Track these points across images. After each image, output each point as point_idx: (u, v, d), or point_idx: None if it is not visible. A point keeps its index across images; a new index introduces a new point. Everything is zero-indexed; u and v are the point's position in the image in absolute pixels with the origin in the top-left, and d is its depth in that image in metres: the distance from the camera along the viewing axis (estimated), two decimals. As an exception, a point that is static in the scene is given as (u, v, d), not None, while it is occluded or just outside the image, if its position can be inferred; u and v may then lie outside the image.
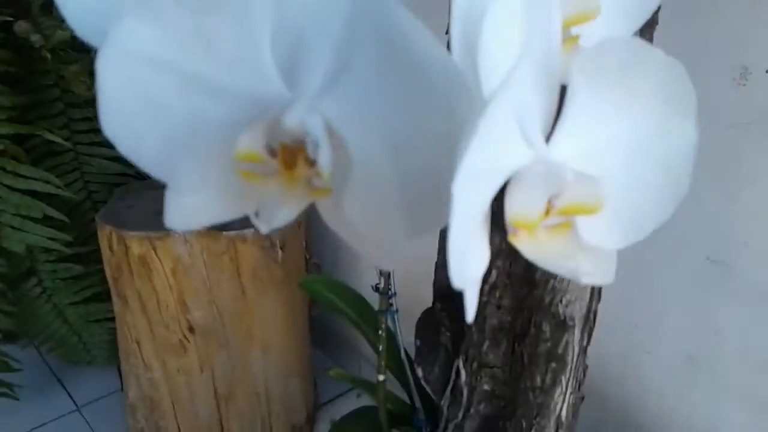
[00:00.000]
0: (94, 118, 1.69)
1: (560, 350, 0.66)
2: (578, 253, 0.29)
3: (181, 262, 1.47)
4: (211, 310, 1.50)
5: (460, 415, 0.72)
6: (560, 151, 0.30)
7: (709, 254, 1.12)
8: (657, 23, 0.59)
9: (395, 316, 0.77)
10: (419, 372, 0.78)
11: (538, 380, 0.67)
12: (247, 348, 1.52)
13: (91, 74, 1.69)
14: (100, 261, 1.60)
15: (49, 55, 1.52)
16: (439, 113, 0.27)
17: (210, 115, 0.29)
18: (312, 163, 0.28)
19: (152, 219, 1.47)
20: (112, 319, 1.58)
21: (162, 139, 0.29)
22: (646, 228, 0.34)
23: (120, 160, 1.70)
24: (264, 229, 0.29)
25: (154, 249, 1.44)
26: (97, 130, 1.64)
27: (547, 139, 0.30)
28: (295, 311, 1.62)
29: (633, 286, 1.17)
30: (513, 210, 0.29)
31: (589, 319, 0.64)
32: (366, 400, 1.01)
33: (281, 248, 1.54)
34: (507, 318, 0.63)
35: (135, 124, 0.29)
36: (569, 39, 0.32)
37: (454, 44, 0.29)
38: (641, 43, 0.30)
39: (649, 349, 1.21)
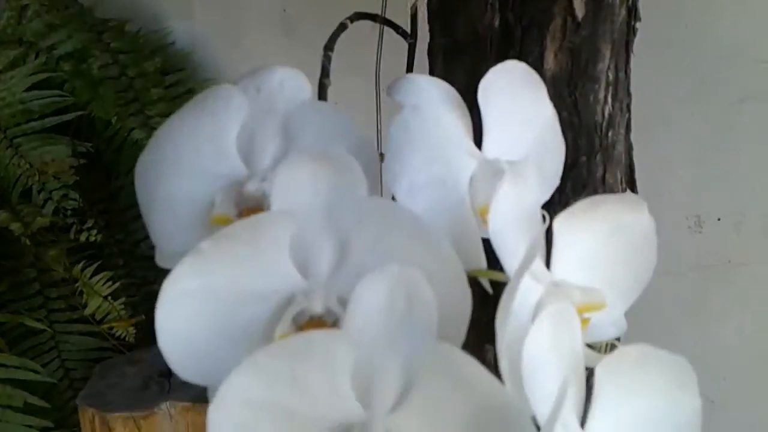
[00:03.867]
0: (70, 296, 1.68)
1: None
2: None
3: (167, 440, 1.43)
4: (199, 485, 1.46)
5: None
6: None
7: (693, 391, 1.16)
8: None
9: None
10: None
11: None
12: None
13: (68, 255, 1.69)
14: (79, 442, 1.56)
15: (28, 242, 1.54)
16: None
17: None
18: None
19: (136, 396, 1.44)
20: (92, 503, 1.52)
21: None
22: None
23: (97, 334, 1.68)
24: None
25: (139, 429, 1.40)
26: (74, 308, 1.65)
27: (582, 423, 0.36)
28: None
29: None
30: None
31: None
32: None
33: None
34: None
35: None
36: (583, 321, 0.38)
37: (504, 374, 0.36)
38: (649, 348, 0.38)
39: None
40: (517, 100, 0.46)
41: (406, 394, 0.35)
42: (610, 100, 0.58)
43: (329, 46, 0.52)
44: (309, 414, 0.35)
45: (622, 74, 0.59)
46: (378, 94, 0.76)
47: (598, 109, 0.58)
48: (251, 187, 0.41)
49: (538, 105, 0.47)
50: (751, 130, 1.02)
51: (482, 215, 0.41)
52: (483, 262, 0.41)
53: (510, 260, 0.37)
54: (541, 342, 0.34)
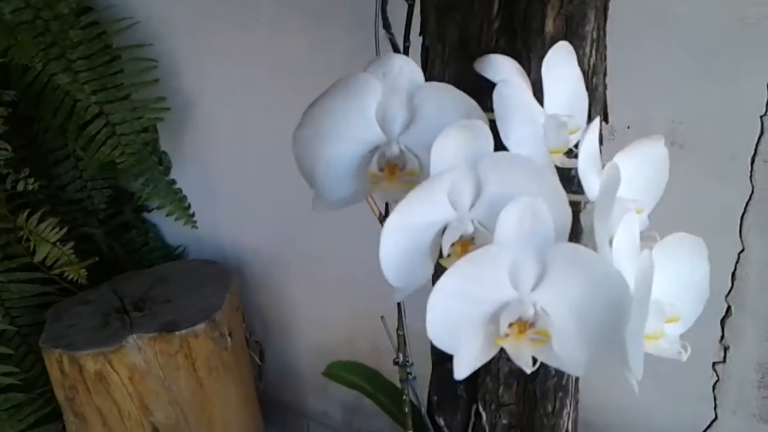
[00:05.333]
0: (7, 245, 1.69)
1: (564, 382, 0.89)
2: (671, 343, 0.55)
3: (137, 369, 1.49)
4: (173, 408, 1.54)
5: (484, 447, 0.93)
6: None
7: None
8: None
9: (413, 383, 0.96)
10: (441, 422, 0.97)
11: (549, 407, 0.90)
12: (210, 435, 1.59)
13: (8, 202, 1.69)
14: (41, 384, 1.61)
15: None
16: (607, 298, 0.54)
17: (476, 314, 0.56)
18: (531, 326, 0.54)
19: (98, 333, 1.50)
20: (61, 439, 1.59)
21: (455, 332, 0.56)
22: (692, 320, 0.61)
23: (37, 280, 1.71)
24: (527, 370, 0.55)
25: (110, 362, 1.46)
26: (12, 256, 1.66)
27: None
28: (247, 390, 1.71)
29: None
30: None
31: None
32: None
33: (230, 335, 1.62)
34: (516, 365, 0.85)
35: (444, 328, 0.55)
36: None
37: (605, 255, 0.56)
38: (683, 233, 0.61)
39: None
40: (562, 68, 0.62)
41: (541, 278, 0.54)
42: (594, 53, 0.75)
43: (386, 25, 0.64)
44: (484, 298, 0.54)
45: (602, 32, 0.76)
46: (377, 46, 0.89)
47: (585, 60, 0.75)
48: (393, 149, 0.56)
49: (572, 70, 0.64)
50: (652, 51, 1.21)
51: (552, 154, 0.58)
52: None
53: (592, 184, 0.55)
54: (622, 237, 0.53)
